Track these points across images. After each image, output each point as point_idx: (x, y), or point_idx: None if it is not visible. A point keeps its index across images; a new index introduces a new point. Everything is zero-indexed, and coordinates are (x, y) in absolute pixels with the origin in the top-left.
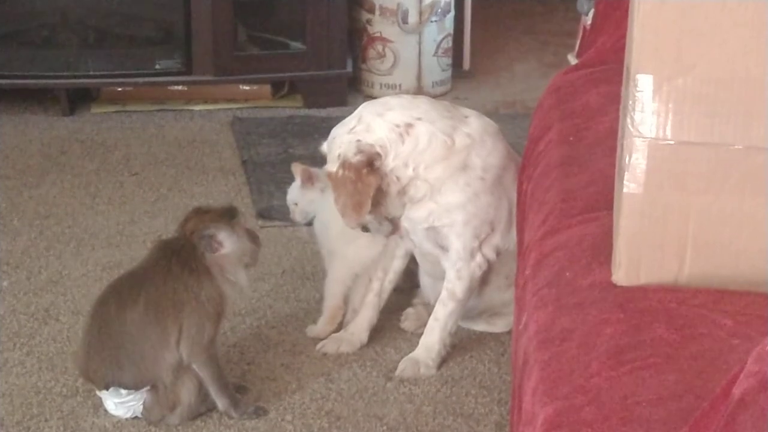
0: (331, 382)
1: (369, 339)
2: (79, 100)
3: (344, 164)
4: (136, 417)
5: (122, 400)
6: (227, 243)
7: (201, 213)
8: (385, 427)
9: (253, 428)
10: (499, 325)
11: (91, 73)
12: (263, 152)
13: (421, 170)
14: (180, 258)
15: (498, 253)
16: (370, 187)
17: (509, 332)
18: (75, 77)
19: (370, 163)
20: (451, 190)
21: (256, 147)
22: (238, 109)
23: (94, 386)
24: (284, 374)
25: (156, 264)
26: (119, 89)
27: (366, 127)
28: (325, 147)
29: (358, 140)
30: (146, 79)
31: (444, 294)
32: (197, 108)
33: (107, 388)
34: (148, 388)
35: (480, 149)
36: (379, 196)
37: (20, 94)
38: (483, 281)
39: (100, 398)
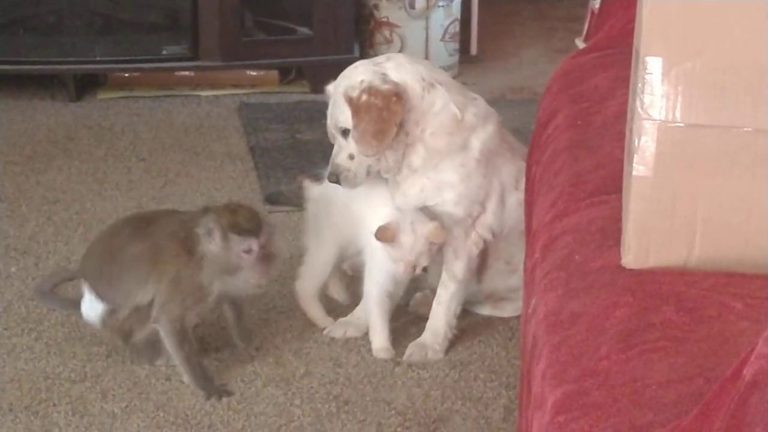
0: (339, 366)
1: None
2: (86, 85)
3: (370, 90)
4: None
5: (92, 303)
6: (213, 244)
7: (229, 209)
8: (393, 412)
9: (262, 413)
10: (507, 310)
11: (98, 58)
12: (270, 138)
13: (426, 135)
14: (184, 232)
15: (493, 233)
16: (396, 115)
17: (517, 317)
18: (82, 63)
19: (397, 95)
20: (447, 169)
21: (264, 132)
22: (245, 94)
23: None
24: (293, 359)
25: (167, 223)
26: (126, 75)
27: (396, 66)
28: (330, 87)
29: (384, 74)
30: (153, 65)
31: (444, 276)
32: (204, 94)
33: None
34: (109, 308)
35: (481, 132)
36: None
37: (27, 80)
38: (483, 265)
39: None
